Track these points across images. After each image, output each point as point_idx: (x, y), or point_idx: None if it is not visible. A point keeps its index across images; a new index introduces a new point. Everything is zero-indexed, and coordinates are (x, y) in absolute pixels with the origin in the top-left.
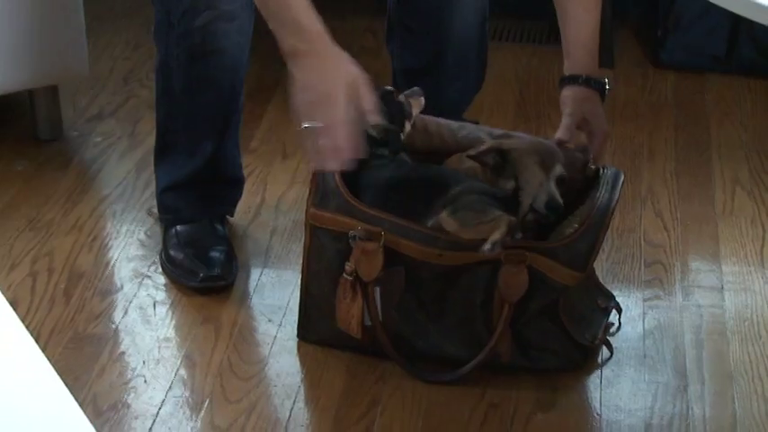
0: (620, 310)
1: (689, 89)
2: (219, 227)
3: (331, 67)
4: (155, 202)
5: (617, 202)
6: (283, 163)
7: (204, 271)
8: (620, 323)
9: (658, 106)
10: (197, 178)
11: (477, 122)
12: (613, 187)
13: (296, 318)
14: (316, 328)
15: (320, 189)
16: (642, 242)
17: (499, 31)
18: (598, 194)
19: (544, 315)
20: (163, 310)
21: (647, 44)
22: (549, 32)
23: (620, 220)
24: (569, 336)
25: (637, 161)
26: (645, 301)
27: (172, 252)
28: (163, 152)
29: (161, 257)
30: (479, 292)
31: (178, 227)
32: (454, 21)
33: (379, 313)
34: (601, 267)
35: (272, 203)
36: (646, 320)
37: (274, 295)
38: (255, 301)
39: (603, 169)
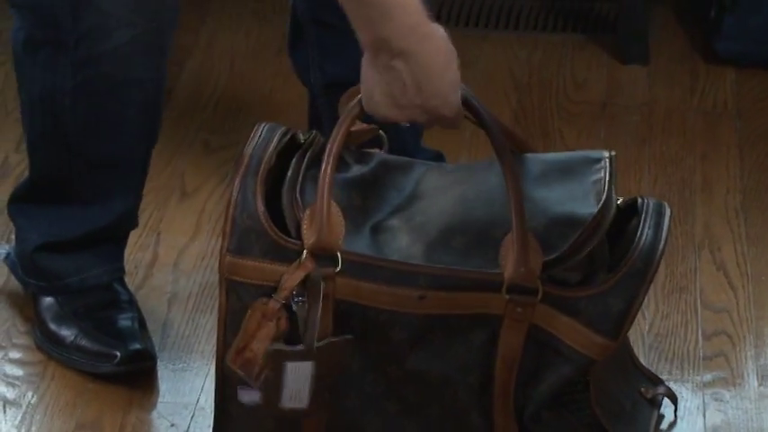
0: (675, 401)
1: (756, 92)
2: (120, 288)
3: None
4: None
5: (665, 243)
6: (182, 203)
7: (121, 349)
8: (675, 418)
9: (714, 117)
10: (94, 237)
11: (440, 155)
12: (658, 225)
13: (209, 420)
14: (238, 428)
15: (237, 229)
16: (699, 305)
17: (485, 13)
18: (639, 232)
19: (560, 405)
20: (16, 414)
21: (695, 31)
22: (555, 15)
23: (666, 276)
24: None
25: (687, 193)
26: (705, 387)
27: (55, 327)
28: (37, 203)
29: (37, 336)
30: (475, 366)
31: (60, 297)
32: None
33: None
34: (641, 341)
35: (168, 261)
36: (708, 415)
37: (178, 389)
38: (152, 399)
39: (642, 200)
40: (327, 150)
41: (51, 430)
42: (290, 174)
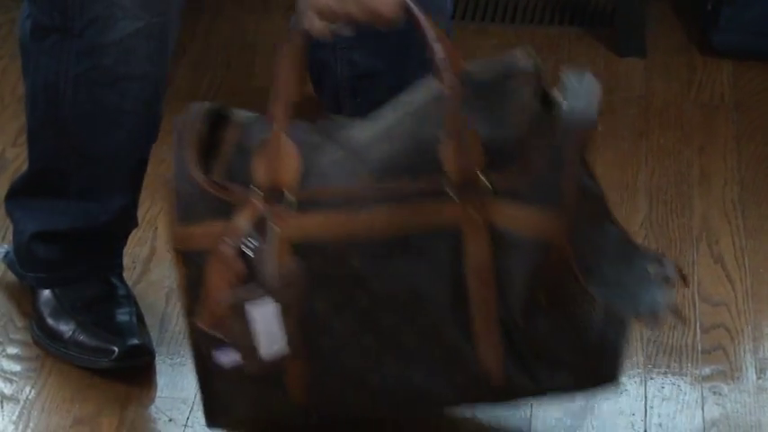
0: (684, 278)
1: (753, 84)
2: (118, 282)
3: None
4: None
5: (599, 108)
6: None
7: (119, 344)
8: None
9: (711, 109)
10: (91, 232)
11: None
12: (577, 92)
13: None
14: (227, 403)
15: (180, 198)
16: (697, 299)
17: (482, 6)
18: (563, 105)
19: (559, 306)
20: (14, 410)
21: (692, 23)
22: (552, 9)
23: None
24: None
25: (684, 186)
26: (704, 380)
27: (53, 322)
28: (34, 195)
29: (34, 331)
30: (443, 282)
31: (58, 289)
32: None
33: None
34: (639, 334)
35: (166, 255)
36: (706, 408)
37: (176, 384)
38: (150, 394)
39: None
40: (281, 78)
41: (49, 426)
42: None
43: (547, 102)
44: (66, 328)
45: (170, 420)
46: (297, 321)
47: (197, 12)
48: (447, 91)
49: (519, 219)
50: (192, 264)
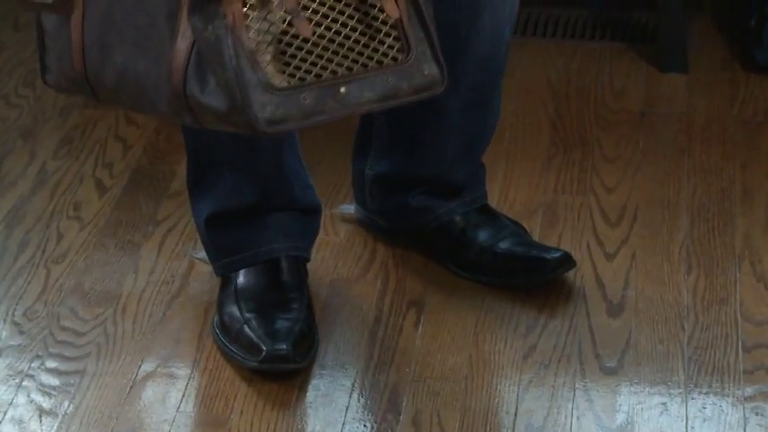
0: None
1: None
2: (297, 281)
3: None
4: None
5: None
6: None
7: (267, 347)
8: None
9: (754, 126)
10: (254, 208)
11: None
12: None
13: None
14: (47, 64)
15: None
16: (739, 318)
17: (522, 22)
18: None
19: None
20: (52, 424)
21: (735, 38)
22: (593, 24)
23: (706, 287)
24: None
25: (726, 204)
26: (746, 401)
27: (227, 317)
28: (199, 182)
29: (214, 321)
30: None
31: (240, 279)
32: (483, 15)
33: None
34: (680, 353)
35: (205, 269)
36: (748, 429)
37: (211, 400)
38: (187, 411)
39: None
40: None
41: None
42: None
43: None
44: (234, 325)
45: None
46: None
47: None
48: None
49: None
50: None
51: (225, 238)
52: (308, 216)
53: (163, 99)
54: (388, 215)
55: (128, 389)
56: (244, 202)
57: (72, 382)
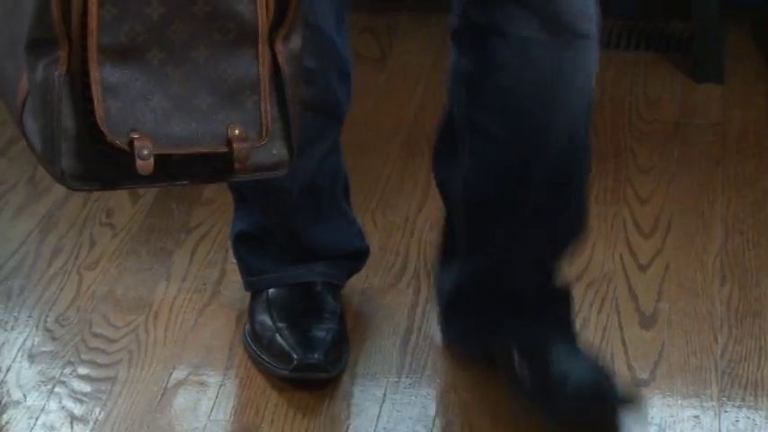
0: None
1: None
2: (329, 297)
3: None
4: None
5: None
6: None
7: (299, 356)
8: None
9: None
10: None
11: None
12: None
13: None
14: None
15: None
16: None
17: None
18: None
19: None
20: (83, 430)
21: None
22: (628, 34)
23: (739, 300)
24: None
25: (761, 215)
26: None
27: (258, 326)
28: (237, 197)
29: (245, 330)
30: None
31: (272, 289)
32: (555, 111)
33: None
34: (714, 366)
35: (236, 278)
36: None
37: (241, 407)
38: (218, 418)
39: None
40: None
41: None
42: None
43: None
44: (266, 333)
45: None
46: None
47: None
48: None
49: None
50: None
51: (254, 258)
52: (351, 260)
53: (14, 114)
54: None
55: (159, 396)
56: (257, 226)
57: (103, 388)
